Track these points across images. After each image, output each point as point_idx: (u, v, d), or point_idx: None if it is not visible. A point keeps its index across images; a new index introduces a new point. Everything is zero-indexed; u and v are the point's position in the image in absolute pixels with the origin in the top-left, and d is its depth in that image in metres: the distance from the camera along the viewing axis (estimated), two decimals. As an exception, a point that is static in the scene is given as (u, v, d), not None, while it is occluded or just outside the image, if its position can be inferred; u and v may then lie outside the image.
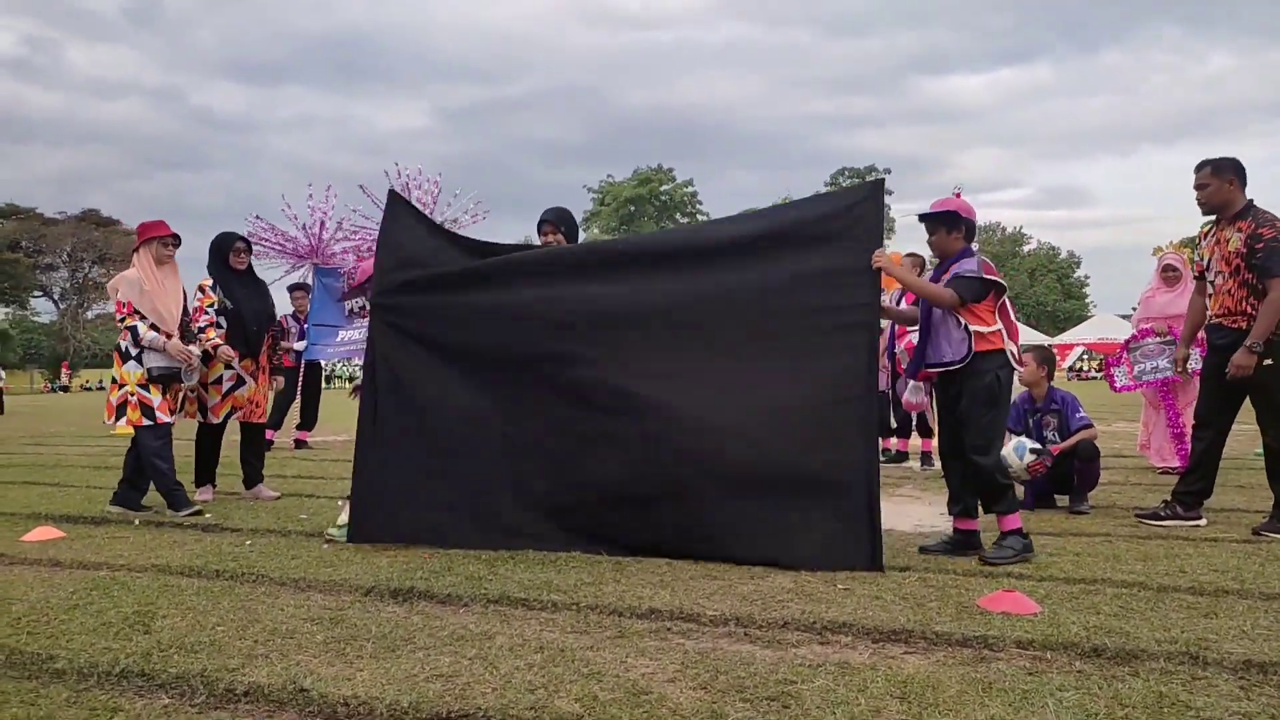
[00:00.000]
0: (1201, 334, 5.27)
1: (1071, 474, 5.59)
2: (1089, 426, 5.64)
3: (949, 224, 4.34)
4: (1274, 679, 2.65)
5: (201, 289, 6.13)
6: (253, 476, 6.44)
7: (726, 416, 4.31)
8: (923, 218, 4.44)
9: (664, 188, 62.61)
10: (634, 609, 3.44)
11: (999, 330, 4.22)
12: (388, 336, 4.82)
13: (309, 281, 7.52)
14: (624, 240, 4.32)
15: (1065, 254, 67.66)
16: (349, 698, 2.58)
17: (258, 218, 7.10)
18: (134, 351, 5.60)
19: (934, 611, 3.35)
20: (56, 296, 66.37)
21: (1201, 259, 4.94)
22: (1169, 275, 7.20)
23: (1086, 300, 66.04)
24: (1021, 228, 71.95)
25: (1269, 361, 4.54)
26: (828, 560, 4.04)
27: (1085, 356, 44.87)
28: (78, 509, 6.00)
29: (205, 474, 6.33)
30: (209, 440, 6.30)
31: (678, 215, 63.64)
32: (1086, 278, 67.65)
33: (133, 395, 5.60)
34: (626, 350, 4.52)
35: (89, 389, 55.34)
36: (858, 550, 4.05)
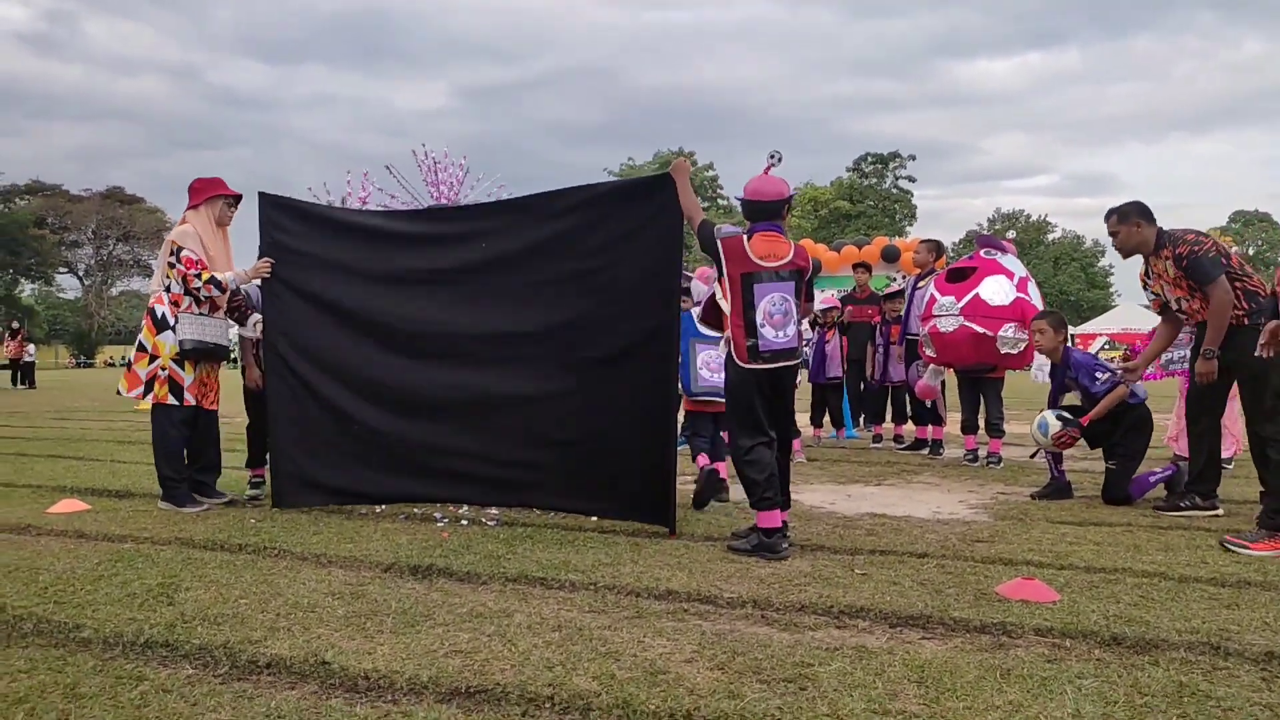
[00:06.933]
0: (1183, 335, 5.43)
1: (1109, 433, 5.44)
2: (1118, 384, 5.34)
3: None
4: (1296, 671, 2.63)
5: None
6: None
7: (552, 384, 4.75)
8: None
9: (685, 171, 62.22)
10: (651, 590, 3.46)
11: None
12: (285, 316, 5.18)
13: None
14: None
15: (1090, 243, 66.93)
16: (369, 671, 2.60)
17: None
18: (171, 320, 5.06)
19: (952, 598, 3.35)
20: (81, 273, 67.04)
21: (1158, 296, 5.06)
22: None
23: (1111, 290, 65.37)
24: (1046, 216, 71.24)
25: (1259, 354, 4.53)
26: (628, 515, 4.61)
27: (1108, 346, 44.49)
28: (102, 483, 6.09)
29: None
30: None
31: (699, 200, 63.26)
32: (1111, 267, 66.93)
33: (164, 370, 5.05)
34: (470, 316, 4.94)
35: (113, 365, 55.94)
36: (655, 511, 4.49)
